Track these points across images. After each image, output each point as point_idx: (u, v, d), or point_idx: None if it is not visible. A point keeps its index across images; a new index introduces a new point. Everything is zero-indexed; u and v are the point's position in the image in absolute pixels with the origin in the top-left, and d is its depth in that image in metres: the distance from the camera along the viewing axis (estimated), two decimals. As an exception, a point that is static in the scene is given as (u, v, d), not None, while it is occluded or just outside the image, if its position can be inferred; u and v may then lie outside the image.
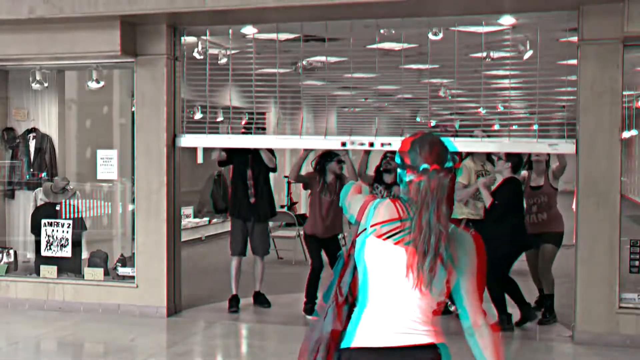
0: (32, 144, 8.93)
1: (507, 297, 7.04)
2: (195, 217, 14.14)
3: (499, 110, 9.29)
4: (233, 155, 7.91)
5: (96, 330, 7.19)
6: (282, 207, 15.34)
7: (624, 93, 6.67)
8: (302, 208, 15.96)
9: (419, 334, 2.57)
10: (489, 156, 7.61)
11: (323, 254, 7.68)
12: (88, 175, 8.92)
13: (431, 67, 7.52)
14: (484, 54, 7.52)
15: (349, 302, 2.71)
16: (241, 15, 7.13)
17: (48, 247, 8.09)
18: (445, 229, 2.47)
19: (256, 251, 8.01)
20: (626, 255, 6.81)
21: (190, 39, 7.84)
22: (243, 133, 7.96)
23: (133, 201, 8.50)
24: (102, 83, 8.20)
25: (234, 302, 7.86)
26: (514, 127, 7.99)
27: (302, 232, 8.83)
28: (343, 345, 2.65)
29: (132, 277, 7.74)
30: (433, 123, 8.27)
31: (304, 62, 8.62)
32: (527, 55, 7.38)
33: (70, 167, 9.72)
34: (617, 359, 6.26)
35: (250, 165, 7.85)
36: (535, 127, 7.31)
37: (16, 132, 8.93)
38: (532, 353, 6.65)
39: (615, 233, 6.57)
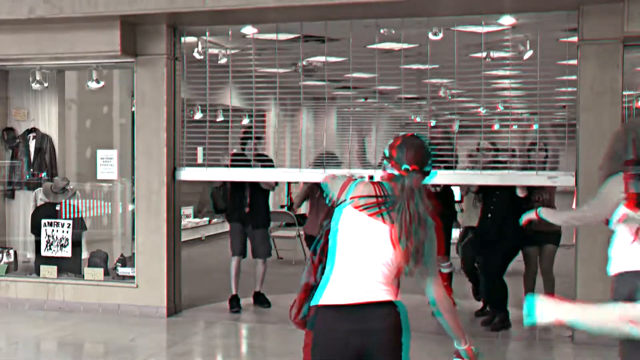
0: (32, 144, 8.92)
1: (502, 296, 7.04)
2: (195, 217, 14.13)
3: (499, 110, 9.30)
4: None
5: (96, 330, 7.19)
6: (282, 207, 15.32)
7: (624, 93, 6.67)
8: (302, 208, 15.94)
9: (379, 292, 2.94)
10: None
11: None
12: (88, 175, 8.92)
13: (431, 67, 7.52)
14: (484, 54, 7.51)
15: (323, 263, 3.08)
16: (241, 15, 7.13)
17: (48, 247, 8.09)
18: (426, 217, 2.91)
19: (257, 254, 8.01)
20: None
21: (190, 39, 7.84)
22: (241, 144, 7.95)
23: (133, 201, 8.50)
24: (102, 83, 8.19)
25: (235, 302, 7.86)
26: (514, 128, 7.99)
27: (302, 232, 8.82)
28: (312, 302, 3.02)
29: (132, 277, 7.74)
30: (433, 123, 8.28)
31: (304, 62, 8.62)
32: (527, 55, 7.37)
33: (70, 167, 9.72)
34: (617, 359, 6.25)
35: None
36: (535, 127, 7.30)
37: (16, 132, 8.92)
38: (532, 353, 6.66)
39: (615, 233, 6.56)
